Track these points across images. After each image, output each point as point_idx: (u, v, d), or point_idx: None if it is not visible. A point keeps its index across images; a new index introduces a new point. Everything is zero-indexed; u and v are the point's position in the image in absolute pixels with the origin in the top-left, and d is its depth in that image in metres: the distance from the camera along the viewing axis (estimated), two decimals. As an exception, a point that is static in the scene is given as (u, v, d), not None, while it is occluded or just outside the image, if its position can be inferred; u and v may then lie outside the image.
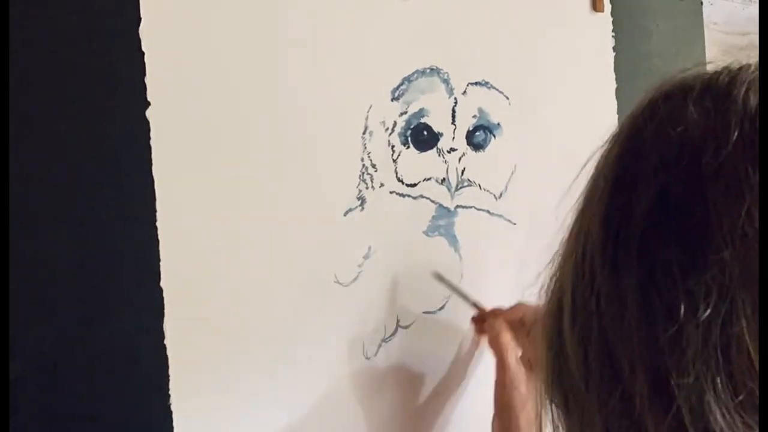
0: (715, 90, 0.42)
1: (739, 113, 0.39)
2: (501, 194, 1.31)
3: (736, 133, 0.38)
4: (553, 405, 0.45)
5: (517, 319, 1.14)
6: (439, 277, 1.18)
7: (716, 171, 0.38)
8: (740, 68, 0.43)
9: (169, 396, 0.96)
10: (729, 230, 0.37)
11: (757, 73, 0.41)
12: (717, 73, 0.43)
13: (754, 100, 0.39)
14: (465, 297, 1.21)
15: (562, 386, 0.44)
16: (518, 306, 1.16)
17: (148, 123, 0.96)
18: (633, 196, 0.41)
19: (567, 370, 0.43)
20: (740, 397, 0.36)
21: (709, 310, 0.37)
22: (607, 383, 0.40)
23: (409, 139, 1.20)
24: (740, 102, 0.40)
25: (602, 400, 0.40)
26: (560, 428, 0.45)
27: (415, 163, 1.20)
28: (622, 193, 0.42)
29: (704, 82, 0.43)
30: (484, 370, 1.28)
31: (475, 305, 1.21)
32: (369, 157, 1.15)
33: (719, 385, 0.36)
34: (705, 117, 0.40)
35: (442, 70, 1.23)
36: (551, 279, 0.48)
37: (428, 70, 1.22)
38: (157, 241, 0.96)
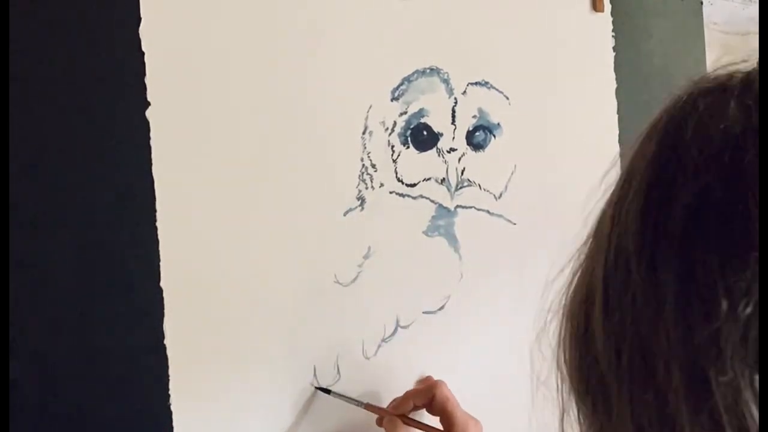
0: (753, 88, 0.41)
1: None
2: (501, 194, 1.31)
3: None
4: (580, 405, 0.44)
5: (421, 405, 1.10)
6: (325, 391, 1.09)
7: (757, 170, 0.38)
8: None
9: (169, 396, 0.96)
10: None
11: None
12: (754, 71, 0.42)
13: None
14: (356, 402, 1.11)
15: (591, 385, 0.43)
16: (406, 396, 1.11)
17: (148, 123, 0.96)
18: (673, 192, 0.40)
19: (596, 369, 0.42)
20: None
21: (749, 308, 0.36)
22: (640, 381, 0.40)
23: (409, 139, 1.20)
24: None
25: (635, 399, 0.40)
26: (585, 428, 0.44)
27: (415, 163, 1.20)
28: (662, 189, 0.41)
29: (743, 80, 0.42)
30: (483, 369, 1.28)
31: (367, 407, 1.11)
32: (369, 157, 1.15)
33: (756, 383, 0.36)
34: (746, 114, 0.40)
35: (442, 70, 1.23)
36: (575, 276, 0.47)
37: (428, 70, 1.22)
38: (157, 241, 0.96)
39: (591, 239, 0.46)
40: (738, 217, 0.38)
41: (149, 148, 0.96)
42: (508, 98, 1.32)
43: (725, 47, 1.72)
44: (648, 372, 0.39)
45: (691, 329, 0.38)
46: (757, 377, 0.36)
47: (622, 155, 0.47)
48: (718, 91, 0.42)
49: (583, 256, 0.45)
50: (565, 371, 0.45)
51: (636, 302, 0.40)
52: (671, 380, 0.38)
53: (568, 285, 0.47)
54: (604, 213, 0.45)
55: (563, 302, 0.47)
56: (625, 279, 0.41)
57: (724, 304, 0.37)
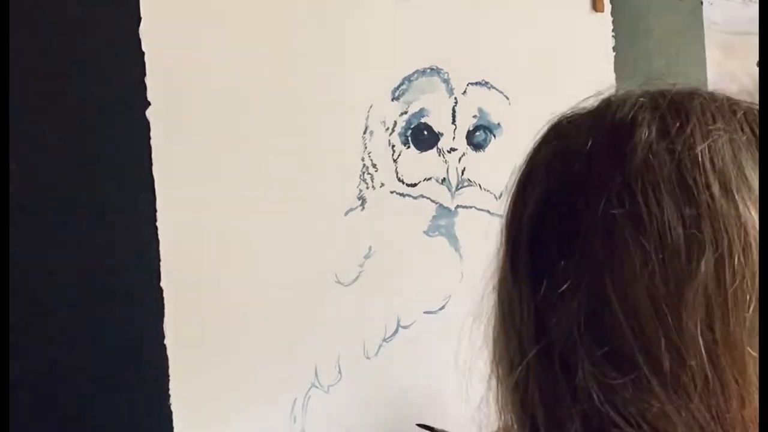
0: (595, 112, 0.51)
1: (608, 125, 0.49)
2: (501, 194, 1.30)
3: (604, 143, 0.48)
4: (496, 378, 0.55)
5: None
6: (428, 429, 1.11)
7: (587, 173, 0.48)
8: (621, 94, 0.52)
9: (169, 396, 0.96)
10: (593, 218, 0.46)
11: (629, 94, 0.51)
12: (603, 100, 0.52)
13: (620, 115, 0.49)
14: None
15: (500, 358, 0.54)
16: None
17: (148, 123, 0.96)
18: (526, 202, 0.51)
19: (496, 339, 0.54)
20: (605, 349, 0.45)
21: (574, 278, 0.46)
22: (508, 342, 0.51)
23: (410, 138, 1.20)
24: (610, 117, 0.49)
25: (509, 353, 0.51)
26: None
27: (416, 162, 1.20)
28: (519, 202, 0.52)
29: (589, 108, 0.53)
30: (483, 369, 1.27)
31: None
32: (369, 156, 1.15)
33: (587, 343, 0.45)
34: (582, 132, 0.50)
35: (442, 70, 1.23)
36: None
37: (428, 70, 1.22)
38: (157, 241, 0.96)
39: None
40: (569, 213, 0.47)
41: (149, 148, 0.96)
42: (508, 98, 1.32)
43: (725, 47, 1.72)
44: (509, 343, 0.51)
45: (540, 298, 0.48)
46: (587, 339, 0.45)
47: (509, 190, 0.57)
48: (563, 119, 0.53)
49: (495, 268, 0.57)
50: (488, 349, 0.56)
51: (504, 289, 0.52)
52: (526, 344, 0.49)
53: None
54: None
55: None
56: (500, 274, 0.54)
57: (558, 281, 0.46)
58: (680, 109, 0.48)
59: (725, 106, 0.49)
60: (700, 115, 0.48)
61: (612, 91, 0.52)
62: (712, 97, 0.50)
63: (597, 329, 0.45)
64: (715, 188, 0.45)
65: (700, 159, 0.46)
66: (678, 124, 0.47)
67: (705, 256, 0.44)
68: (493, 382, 0.54)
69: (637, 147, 0.47)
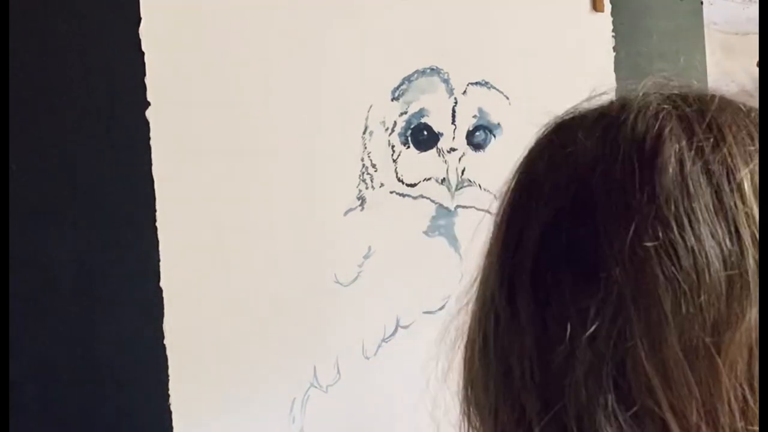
0: (606, 118, 0.43)
1: (627, 138, 0.41)
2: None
3: (623, 158, 0.40)
4: (470, 426, 0.46)
5: None
6: None
7: (605, 194, 0.40)
8: (634, 97, 0.44)
9: (169, 396, 0.96)
10: (618, 250, 0.38)
11: (647, 98, 0.43)
12: (611, 102, 0.45)
13: (641, 125, 0.41)
14: None
15: (473, 405, 0.46)
16: None
17: (148, 123, 0.96)
18: (526, 226, 0.42)
19: (476, 390, 0.45)
20: (633, 410, 0.37)
21: (595, 325, 0.38)
22: (504, 403, 0.42)
23: (409, 139, 1.20)
24: (629, 128, 0.41)
25: (500, 418, 0.42)
26: None
27: (415, 163, 1.20)
28: (517, 224, 0.44)
29: (597, 111, 0.44)
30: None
31: None
32: (369, 157, 1.15)
33: (610, 403, 0.38)
34: (594, 144, 0.42)
35: (442, 70, 1.23)
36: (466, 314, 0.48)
37: (428, 70, 1.22)
38: (157, 241, 0.96)
39: (474, 285, 0.47)
40: (586, 243, 0.40)
41: (149, 148, 0.96)
42: (508, 98, 1.32)
43: (725, 47, 1.72)
44: (510, 394, 0.41)
45: (548, 353, 0.39)
46: (610, 397, 0.38)
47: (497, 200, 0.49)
48: (571, 124, 0.45)
49: (470, 302, 0.47)
50: (459, 392, 0.48)
51: (499, 332, 0.42)
52: (529, 401, 0.40)
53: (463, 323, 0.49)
54: (481, 260, 0.47)
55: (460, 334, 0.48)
56: (491, 311, 0.43)
57: (572, 325, 0.38)
58: (711, 123, 0.41)
59: (756, 119, 0.42)
60: (736, 132, 0.41)
61: (616, 91, 0.45)
62: (744, 108, 0.43)
63: (622, 386, 0.38)
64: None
65: (743, 186, 0.39)
66: (712, 141, 0.40)
67: (750, 300, 0.37)
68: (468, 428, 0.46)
69: (667, 166, 0.39)
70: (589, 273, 0.39)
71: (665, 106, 0.42)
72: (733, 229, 0.38)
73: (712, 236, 0.38)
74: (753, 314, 0.37)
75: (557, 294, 0.40)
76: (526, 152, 0.47)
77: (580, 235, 0.40)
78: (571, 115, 0.46)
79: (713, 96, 0.43)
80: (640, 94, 0.44)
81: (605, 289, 0.38)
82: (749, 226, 0.38)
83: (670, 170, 0.39)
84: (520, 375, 0.40)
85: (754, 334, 0.38)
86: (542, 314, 0.40)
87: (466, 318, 0.46)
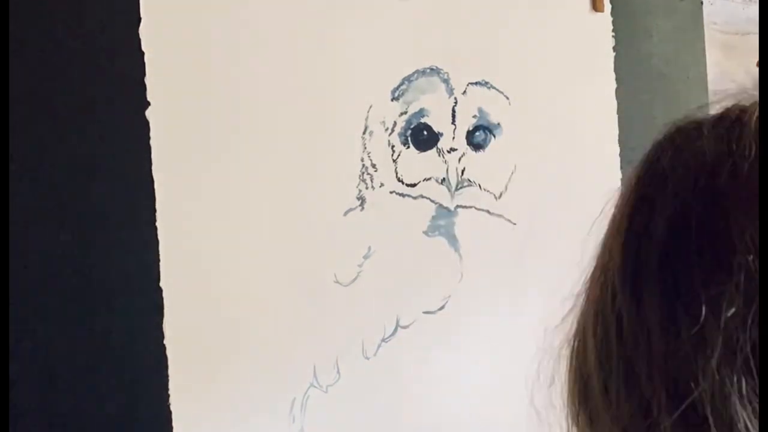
0: (727, 119, 0.44)
1: (753, 135, 0.42)
2: (501, 194, 1.31)
3: (749, 154, 0.41)
4: (578, 424, 0.46)
5: None
6: None
7: (735, 186, 0.41)
8: (750, 102, 0.45)
9: (169, 396, 0.96)
10: (751, 237, 0.39)
11: (755, 100, 0.45)
12: (727, 109, 0.46)
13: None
14: None
15: (587, 406, 0.45)
16: None
17: (148, 123, 0.96)
18: (651, 220, 0.43)
19: (591, 390, 0.44)
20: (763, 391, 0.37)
21: (732, 309, 0.38)
22: (626, 396, 0.41)
23: (409, 139, 1.20)
24: (752, 125, 0.43)
25: (621, 412, 0.41)
26: None
27: (415, 163, 1.20)
28: (641, 219, 0.44)
29: (715, 116, 0.46)
30: (483, 369, 1.28)
31: None
32: (369, 157, 1.15)
33: (744, 386, 0.38)
34: (719, 141, 0.43)
35: (442, 70, 1.23)
36: (577, 311, 0.48)
37: (428, 70, 1.22)
38: (157, 241, 0.96)
39: (587, 281, 0.47)
40: (718, 233, 0.40)
41: (149, 148, 0.96)
42: (508, 98, 1.32)
43: (725, 47, 1.72)
44: (633, 387, 0.41)
45: (676, 341, 0.40)
46: (744, 380, 0.38)
47: (609, 203, 0.49)
48: (692, 126, 0.46)
49: (582, 297, 0.47)
50: (566, 393, 0.47)
51: (622, 325, 0.42)
52: (654, 390, 0.40)
53: (572, 318, 0.49)
54: (596, 255, 0.47)
55: (567, 332, 0.48)
56: (611, 303, 0.43)
57: (706, 310, 0.39)
58: None
59: None
60: None
61: (733, 99, 0.46)
62: None
63: (753, 369, 0.38)
64: None
65: None
66: None
67: None
68: None
69: None
70: (721, 261, 0.39)
71: None
72: None
73: None
74: None
75: (687, 285, 0.40)
76: (645, 154, 0.47)
77: (709, 225, 0.41)
78: (689, 120, 0.47)
79: None
80: (754, 100, 0.45)
81: (738, 275, 0.39)
82: None
83: None
84: (647, 371, 0.40)
85: None
86: (672, 306, 0.40)
87: (572, 323, 0.47)
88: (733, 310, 0.38)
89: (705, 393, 0.38)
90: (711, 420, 0.38)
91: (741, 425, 0.37)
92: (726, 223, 0.40)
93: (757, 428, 0.37)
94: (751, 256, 0.39)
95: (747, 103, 0.45)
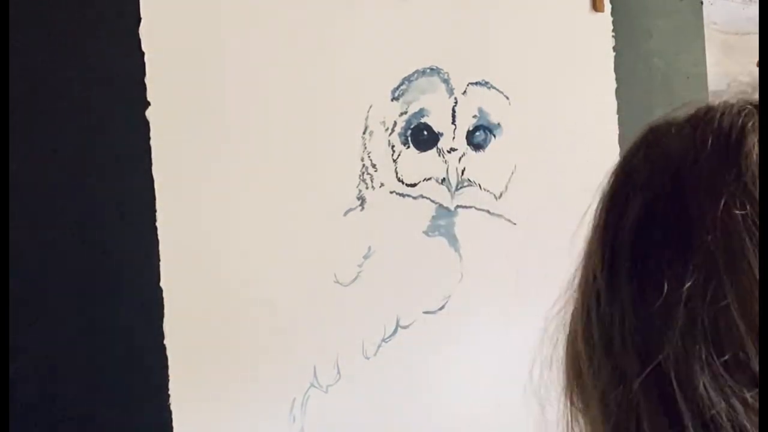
0: (695, 118, 0.49)
1: (715, 131, 0.47)
2: (501, 194, 1.31)
3: (711, 147, 0.47)
4: (572, 407, 0.51)
5: None
6: None
7: (696, 177, 0.46)
8: (718, 103, 0.50)
9: (169, 396, 0.96)
10: (711, 220, 0.44)
11: (729, 102, 0.49)
12: (699, 108, 0.51)
13: (727, 121, 0.47)
14: None
15: (578, 382, 0.50)
16: None
17: (148, 123, 0.96)
18: (624, 212, 0.48)
19: (580, 366, 0.49)
20: (724, 359, 0.42)
21: (690, 283, 0.43)
22: (605, 365, 0.46)
23: (409, 139, 1.20)
24: (716, 123, 0.48)
25: (601, 379, 0.47)
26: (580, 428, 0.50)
27: (415, 163, 1.20)
28: (616, 211, 0.49)
29: (685, 116, 0.51)
30: (483, 369, 1.28)
31: None
32: (369, 157, 1.15)
33: (704, 354, 0.42)
34: (684, 137, 0.48)
35: (442, 70, 1.23)
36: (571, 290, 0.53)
37: (428, 70, 1.22)
38: (157, 241, 0.96)
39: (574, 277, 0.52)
40: (681, 217, 0.45)
41: (149, 148, 0.96)
42: (508, 98, 1.32)
43: (725, 47, 1.72)
44: (611, 358, 0.46)
45: (645, 313, 0.45)
46: (704, 348, 0.43)
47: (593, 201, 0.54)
48: (663, 126, 0.51)
49: (574, 278, 0.53)
50: (562, 378, 0.52)
51: (600, 302, 0.48)
52: (627, 359, 0.45)
53: (565, 305, 0.53)
54: (581, 253, 0.52)
55: (561, 318, 0.53)
56: (592, 285, 0.49)
57: (669, 285, 0.44)
58: None
59: None
60: None
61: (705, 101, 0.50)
62: None
63: (715, 339, 0.43)
64: None
65: None
66: None
67: None
68: (571, 412, 0.50)
69: (751, 152, 0.45)
70: (684, 242, 0.45)
71: (747, 107, 0.48)
72: None
73: None
74: None
75: (655, 265, 0.45)
76: (623, 152, 0.53)
77: (674, 211, 0.46)
78: (662, 119, 0.52)
79: None
80: (723, 100, 0.50)
81: (698, 255, 0.44)
82: None
83: (754, 155, 0.45)
84: (621, 342, 0.45)
85: None
86: (641, 284, 0.45)
87: (568, 310, 0.52)
88: (690, 283, 0.43)
89: (669, 358, 0.43)
90: (675, 383, 0.43)
91: (701, 387, 0.42)
92: (688, 208, 0.45)
93: (715, 390, 0.42)
94: (710, 236, 0.43)
95: (716, 103, 0.50)
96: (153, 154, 0.96)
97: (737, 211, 0.43)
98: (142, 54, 0.95)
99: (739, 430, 0.42)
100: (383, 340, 1.17)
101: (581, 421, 0.50)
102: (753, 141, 0.45)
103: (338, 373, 1.12)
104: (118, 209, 0.94)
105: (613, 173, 0.52)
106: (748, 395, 0.42)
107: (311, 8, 1.10)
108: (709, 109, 0.49)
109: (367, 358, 1.15)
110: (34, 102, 0.89)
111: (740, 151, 0.45)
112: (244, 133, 1.04)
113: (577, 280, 0.51)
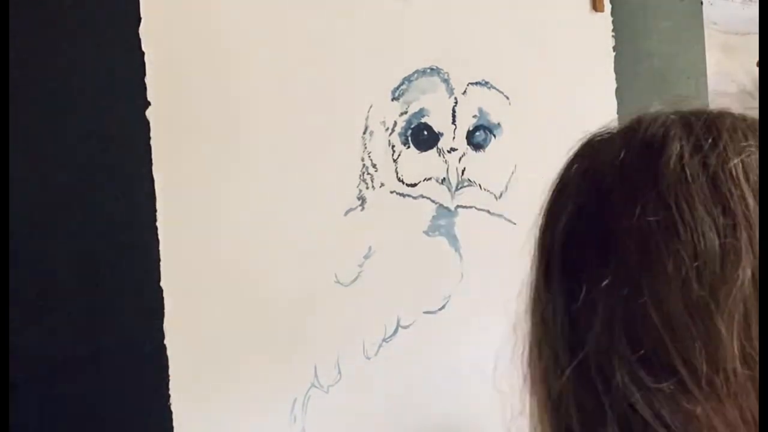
0: (625, 129, 0.53)
1: (638, 141, 0.51)
2: (501, 194, 1.31)
3: (633, 156, 0.50)
4: (526, 386, 0.56)
5: None
6: None
7: (619, 184, 0.49)
8: (649, 113, 0.53)
9: (169, 396, 0.96)
10: (628, 226, 0.47)
11: (658, 112, 0.53)
12: (631, 119, 0.54)
13: (651, 130, 0.51)
14: None
15: (530, 368, 0.55)
16: None
17: (148, 123, 0.96)
18: (558, 219, 0.53)
19: (531, 354, 0.55)
20: (641, 353, 0.46)
21: (608, 282, 0.47)
22: (546, 353, 0.51)
23: (410, 138, 1.20)
24: (641, 133, 0.51)
25: (543, 366, 0.52)
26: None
27: (416, 163, 1.20)
28: (552, 218, 0.54)
29: (619, 126, 0.54)
30: (484, 369, 1.27)
31: None
32: (369, 157, 1.15)
33: (623, 349, 0.46)
34: (613, 148, 0.51)
35: (442, 70, 1.23)
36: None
37: (428, 70, 1.22)
38: (157, 241, 0.96)
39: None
40: (602, 223, 0.49)
41: (149, 148, 0.96)
42: (508, 98, 1.32)
43: (725, 47, 1.72)
44: (550, 349, 0.51)
45: (573, 309, 0.49)
46: (622, 346, 0.46)
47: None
48: (597, 138, 0.55)
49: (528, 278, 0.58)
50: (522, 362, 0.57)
51: (541, 303, 0.53)
52: (562, 353, 0.50)
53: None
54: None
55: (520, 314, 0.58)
56: (532, 287, 0.55)
57: (590, 288, 0.48)
58: (712, 126, 0.50)
59: (755, 125, 0.50)
60: (732, 132, 0.49)
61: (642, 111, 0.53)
62: (743, 117, 0.51)
63: (633, 334, 0.46)
64: (750, 200, 0.47)
65: (734, 173, 0.47)
66: (710, 140, 0.49)
67: (742, 263, 0.45)
68: (527, 396, 0.55)
69: (669, 160, 0.48)
70: (605, 245, 0.49)
71: (672, 117, 0.51)
72: (727, 207, 0.46)
73: (708, 213, 0.46)
74: (745, 274, 0.45)
75: (580, 265, 0.50)
76: (563, 163, 0.57)
77: (597, 217, 0.50)
78: (601, 130, 0.55)
79: (722, 111, 0.52)
80: (654, 110, 0.53)
81: (617, 257, 0.47)
82: (740, 204, 0.46)
83: (672, 163, 0.48)
84: (554, 330, 0.50)
85: (749, 290, 0.45)
86: (569, 283, 0.50)
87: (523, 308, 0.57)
88: (607, 282, 0.47)
89: (591, 352, 0.47)
90: (594, 374, 0.47)
91: (617, 379, 0.46)
92: (609, 214, 0.49)
93: (633, 382, 0.46)
94: (627, 240, 0.47)
95: (647, 113, 0.53)
96: (153, 154, 0.96)
97: (652, 218, 0.47)
98: (142, 54, 0.95)
99: (657, 418, 0.45)
100: (384, 340, 1.17)
101: (532, 404, 0.55)
102: (673, 149, 0.48)
103: (339, 373, 1.12)
104: (119, 209, 0.94)
105: (553, 182, 0.56)
106: (664, 385, 0.45)
107: (311, 8, 1.10)
108: (639, 120, 0.53)
109: (368, 358, 1.15)
110: (34, 102, 0.89)
111: (659, 160, 0.48)
112: (243, 132, 1.04)
113: (528, 280, 0.56)
